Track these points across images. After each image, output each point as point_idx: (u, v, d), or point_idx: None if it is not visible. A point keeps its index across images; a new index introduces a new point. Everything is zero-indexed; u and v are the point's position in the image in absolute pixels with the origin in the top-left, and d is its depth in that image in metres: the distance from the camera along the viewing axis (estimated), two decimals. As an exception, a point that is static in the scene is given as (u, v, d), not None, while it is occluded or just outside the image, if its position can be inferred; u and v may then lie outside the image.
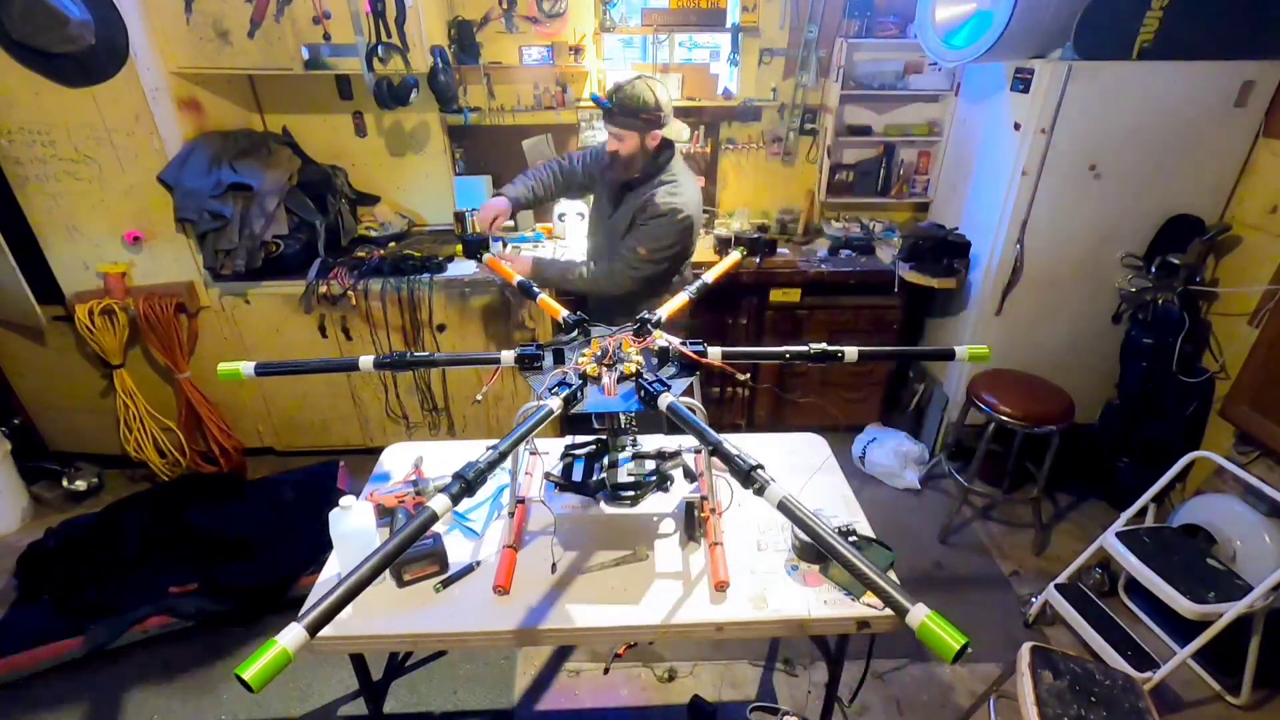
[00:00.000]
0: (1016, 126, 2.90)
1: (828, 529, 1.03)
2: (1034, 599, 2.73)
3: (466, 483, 1.09)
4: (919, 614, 0.92)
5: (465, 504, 1.87)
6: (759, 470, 1.12)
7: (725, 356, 1.52)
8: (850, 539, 1.70)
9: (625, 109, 2.29)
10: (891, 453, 3.49)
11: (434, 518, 1.04)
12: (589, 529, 1.72)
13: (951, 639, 0.89)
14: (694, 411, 1.43)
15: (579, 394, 1.40)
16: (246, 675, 0.84)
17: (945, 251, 3.24)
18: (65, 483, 3.37)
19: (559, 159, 2.81)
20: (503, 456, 1.16)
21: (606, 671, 2.50)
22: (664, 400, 1.33)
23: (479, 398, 1.67)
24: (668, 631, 1.54)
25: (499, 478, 1.87)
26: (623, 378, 1.46)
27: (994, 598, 2.86)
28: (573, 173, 2.76)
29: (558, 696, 2.43)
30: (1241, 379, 2.84)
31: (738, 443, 2.10)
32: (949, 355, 1.65)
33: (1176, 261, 2.86)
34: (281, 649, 0.87)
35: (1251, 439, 2.79)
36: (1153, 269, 2.94)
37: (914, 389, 3.86)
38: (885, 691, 2.45)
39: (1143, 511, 2.66)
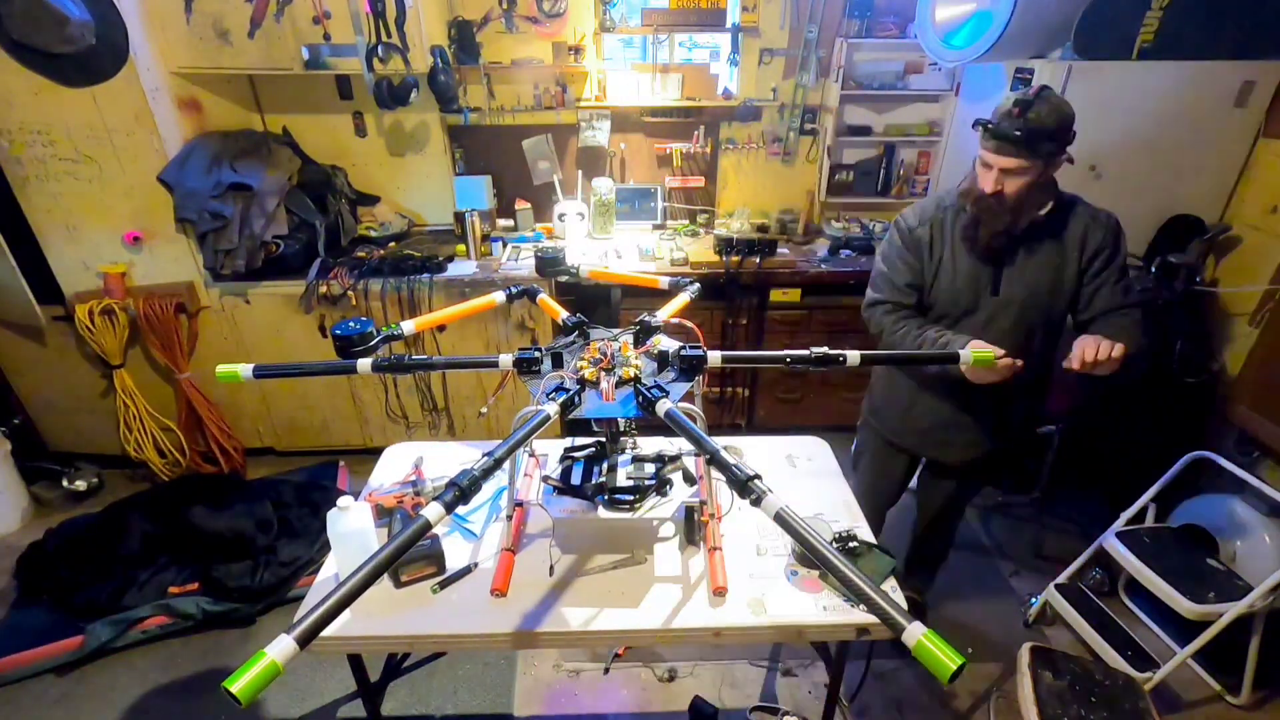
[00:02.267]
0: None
1: (825, 543, 1.02)
2: (1034, 599, 2.73)
3: (461, 490, 1.09)
4: (915, 632, 0.90)
5: (464, 505, 1.87)
6: (756, 480, 1.12)
7: (725, 360, 1.52)
8: (851, 544, 1.69)
9: (1040, 133, 1.67)
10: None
11: (427, 526, 1.04)
12: (587, 533, 1.72)
13: (948, 659, 0.87)
14: (693, 418, 1.43)
15: (576, 399, 1.40)
16: (235, 689, 0.81)
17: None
18: (65, 483, 3.37)
19: (891, 303, 2.03)
20: (498, 464, 1.16)
21: (607, 672, 2.51)
22: (662, 406, 1.32)
23: (483, 411, 1.66)
24: (665, 636, 1.54)
25: (498, 479, 1.86)
26: (621, 382, 1.45)
27: (994, 598, 2.86)
28: (912, 289, 2.02)
29: (558, 697, 2.43)
30: (1241, 379, 2.84)
31: (738, 444, 2.12)
32: (954, 359, 1.64)
33: (1176, 261, 2.86)
34: (271, 661, 0.85)
35: (1251, 439, 2.79)
36: (1153, 269, 2.94)
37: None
38: (885, 692, 2.46)
39: (1143, 511, 2.65)
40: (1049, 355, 2.01)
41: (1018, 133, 1.66)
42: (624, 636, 1.57)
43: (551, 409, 1.32)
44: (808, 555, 1.65)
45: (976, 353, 1.57)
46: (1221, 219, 2.98)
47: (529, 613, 1.55)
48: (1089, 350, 1.68)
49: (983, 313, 1.93)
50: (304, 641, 0.88)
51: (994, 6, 2.71)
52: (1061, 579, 2.70)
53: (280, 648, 0.86)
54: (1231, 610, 2.15)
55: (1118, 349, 1.67)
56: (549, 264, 2.05)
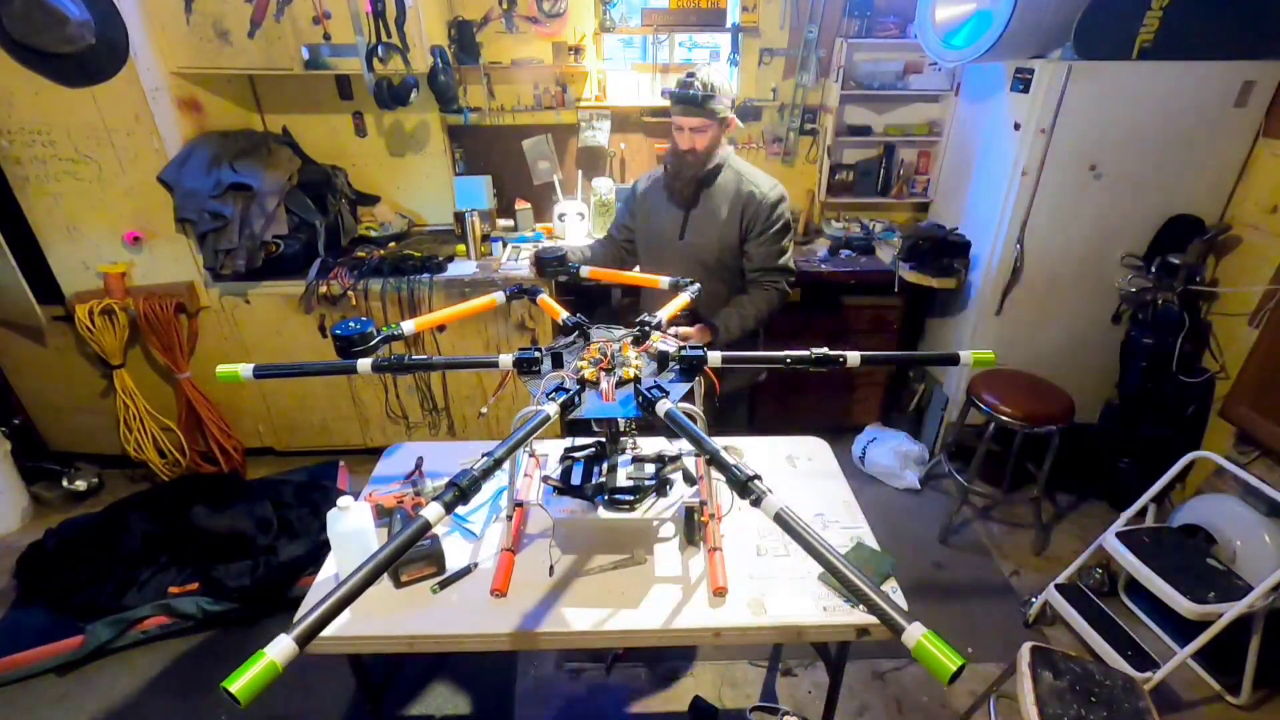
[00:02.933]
0: (1016, 126, 2.89)
1: (825, 544, 1.02)
2: (1034, 599, 2.73)
3: (460, 490, 1.09)
4: (915, 633, 0.90)
5: (464, 506, 1.87)
6: (756, 481, 1.11)
7: (725, 361, 1.52)
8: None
9: (708, 96, 2.09)
10: (891, 453, 3.49)
11: (427, 526, 1.04)
12: (587, 533, 1.72)
13: (948, 660, 0.87)
14: (693, 418, 1.43)
15: (576, 399, 1.40)
16: (234, 689, 0.82)
17: (945, 251, 3.24)
18: (65, 483, 3.37)
19: (608, 235, 2.61)
20: (498, 464, 1.15)
21: (607, 672, 2.51)
22: (662, 406, 1.32)
23: (484, 411, 1.67)
24: (665, 637, 1.54)
25: (499, 479, 1.86)
26: (621, 382, 1.45)
27: (994, 598, 2.86)
28: (622, 238, 2.56)
29: (558, 697, 2.43)
30: (1241, 379, 2.84)
31: (738, 444, 2.12)
32: (953, 360, 1.63)
33: (1176, 261, 2.86)
34: (270, 662, 0.85)
35: (1251, 439, 2.79)
36: (1153, 269, 2.94)
37: (914, 389, 3.86)
38: (885, 691, 2.46)
39: (1143, 511, 2.66)
40: (731, 295, 2.36)
41: (693, 94, 2.07)
42: (624, 637, 1.57)
43: (551, 409, 1.32)
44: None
45: (976, 354, 1.58)
46: (1221, 219, 2.99)
47: (529, 613, 1.55)
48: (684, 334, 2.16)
49: (670, 250, 2.35)
50: (303, 641, 0.88)
51: (994, 6, 2.71)
52: (1061, 579, 2.70)
53: (279, 648, 0.86)
54: (1231, 610, 2.15)
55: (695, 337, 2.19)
56: (549, 263, 2.04)
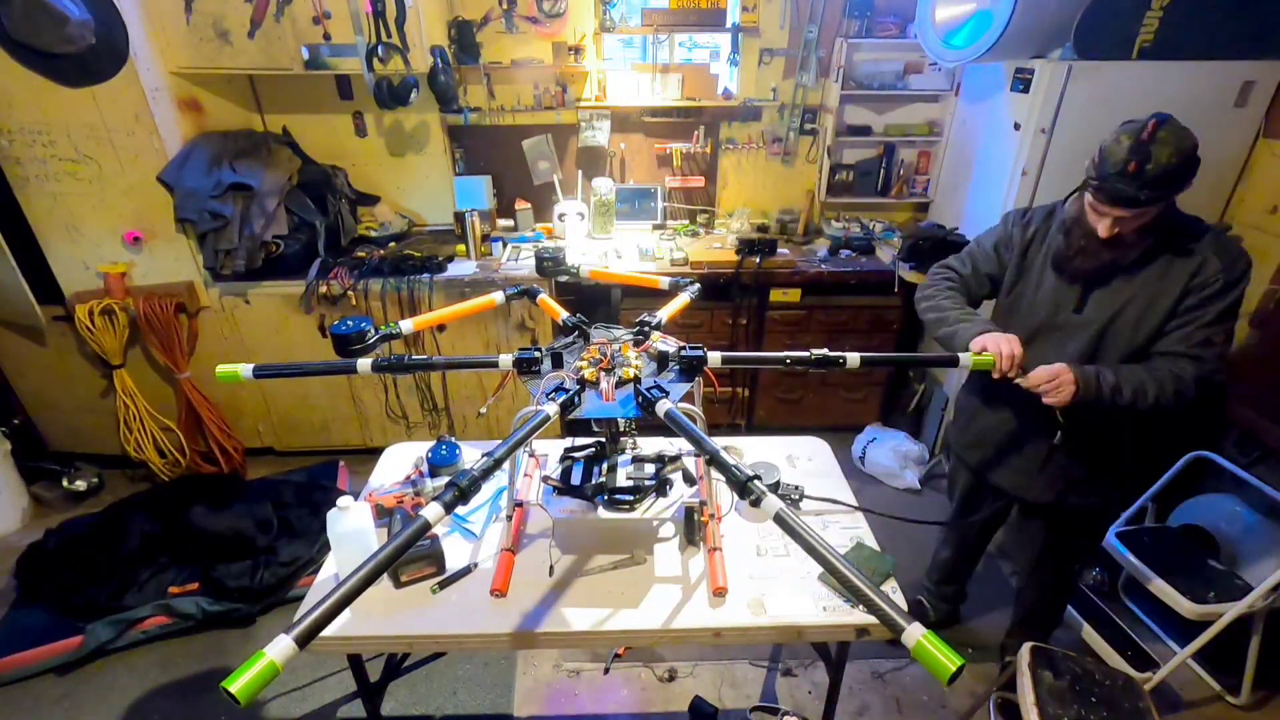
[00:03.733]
0: (1016, 126, 2.89)
1: (825, 544, 1.02)
2: (1033, 599, 2.73)
3: (460, 490, 1.09)
4: (915, 633, 0.90)
5: (463, 506, 1.87)
6: (755, 481, 1.12)
7: (725, 361, 1.52)
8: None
9: (1162, 182, 1.54)
10: (891, 453, 3.49)
11: (427, 526, 1.04)
12: (586, 533, 1.72)
13: (948, 660, 0.87)
14: (693, 418, 1.43)
15: (576, 399, 1.40)
16: (234, 688, 0.82)
17: (945, 251, 3.20)
18: (65, 483, 3.37)
19: (954, 276, 2.04)
20: (497, 464, 1.16)
21: (607, 671, 2.51)
22: (661, 407, 1.32)
23: (483, 411, 1.67)
24: (665, 637, 1.54)
25: (498, 479, 1.86)
26: (621, 383, 1.45)
27: (994, 598, 2.86)
28: (979, 273, 2.02)
29: (558, 697, 2.43)
30: (1241, 379, 2.84)
31: (738, 444, 2.12)
32: (953, 362, 1.65)
33: (1177, 262, 2.85)
34: (269, 661, 0.85)
35: (1251, 439, 2.79)
36: (1153, 269, 2.93)
37: (914, 389, 3.86)
38: (885, 691, 2.45)
39: (1143, 511, 2.66)
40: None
41: (1141, 194, 1.52)
42: (624, 637, 1.57)
43: (551, 409, 1.32)
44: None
45: (975, 357, 1.57)
46: (1221, 219, 2.98)
47: (529, 613, 1.55)
48: (1041, 376, 1.68)
49: (1059, 331, 1.83)
50: (303, 641, 0.88)
51: (994, 6, 2.71)
52: (1061, 579, 2.70)
53: (279, 648, 0.86)
54: (1231, 610, 2.15)
55: (1061, 392, 1.66)
56: (549, 263, 2.04)
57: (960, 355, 1.60)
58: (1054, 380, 1.66)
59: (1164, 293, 1.69)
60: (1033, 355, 1.74)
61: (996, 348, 1.68)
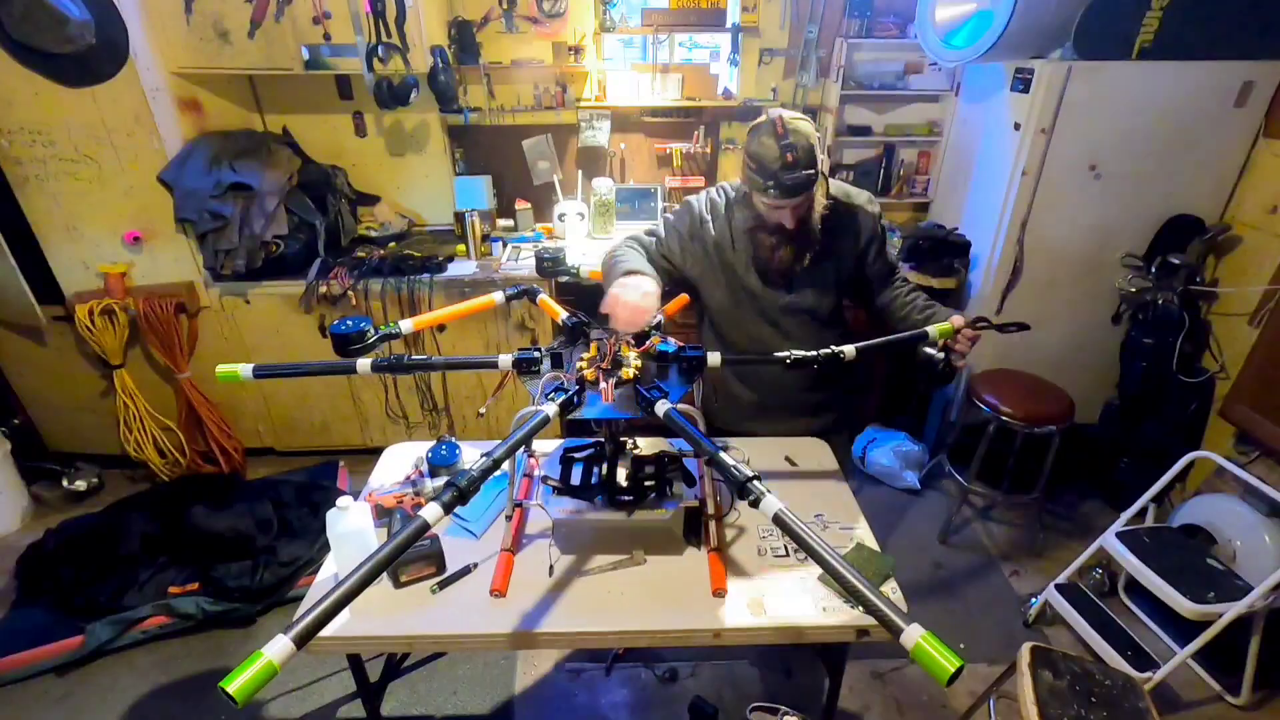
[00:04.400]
0: (1016, 126, 2.89)
1: (824, 545, 1.02)
2: (1034, 599, 2.73)
3: (459, 491, 1.09)
4: (914, 634, 0.91)
5: (462, 506, 1.86)
6: (755, 481, 1.12)
7: (725, 361, 1.52)
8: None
9: (809, 166, 1.64)
10: (891, 453, 3.49)
11: (425, 526, 1.04)
12: (586, 534, 1.71)
13: (946, 661, 0.87)
14: (693, 417, 1.43)
15: (576, 400, 1.40)
16: (231, 689, 0.82)
17: (945, 251, 3.24)
18: (65, 483, 3.37)
19: (641, 238, 2.01)
20: (496, 464, 1.15)
21: (607, 672, 2.51)
22: (661, 407, 1.32)
23: (482, 411, 1.67)
24: (665, 637, 1.54)
25: (499, 479, 1.86)
26: (621, 383, 1.45)
27: (994, 598, 2.86)
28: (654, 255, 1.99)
29: (558, 697, 2.43)
30: (1241, 379, 2.84)
31: (738, 444, 2.12)
32: (923, 336, 1.72)
33: (1176, 261, 2.86)
34: (267, 661, 0.85)
35: (1251, 439, 2.79)
36: (1153, 269, 2.94)
37: (914, 389, 3.86)
38: (885, 691, 2.46)
39: (1143, 511, 2.66)
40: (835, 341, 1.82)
41: (804, 179, 1.64)
42: (623, 637, 1.57)
43: (550, 410, 1.32)
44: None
45: (939, 326, 1.67)
46: (1221, 219, 2.98)
47: (529, 613, 1.55)
48: (964, 343, 1.73)
49: (766, 321, 1.95)
50: (301, 641, 0.88)
51: (994, 6, 2.71)
52: (1061, 579, 2.70)
53: (277, 648, 0.86)
54: (1231, 610, 2.15)
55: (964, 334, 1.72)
56: (549, 264, 2.04)
57: (927, 329, 1.68)
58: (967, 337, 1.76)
59: (843, 256, 1.94)
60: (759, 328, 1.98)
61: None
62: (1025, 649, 1.93)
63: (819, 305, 1.95)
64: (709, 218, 1.93)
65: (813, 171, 1.64)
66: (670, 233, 1.97)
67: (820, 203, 1.79)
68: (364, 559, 0.97)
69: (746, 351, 1.97)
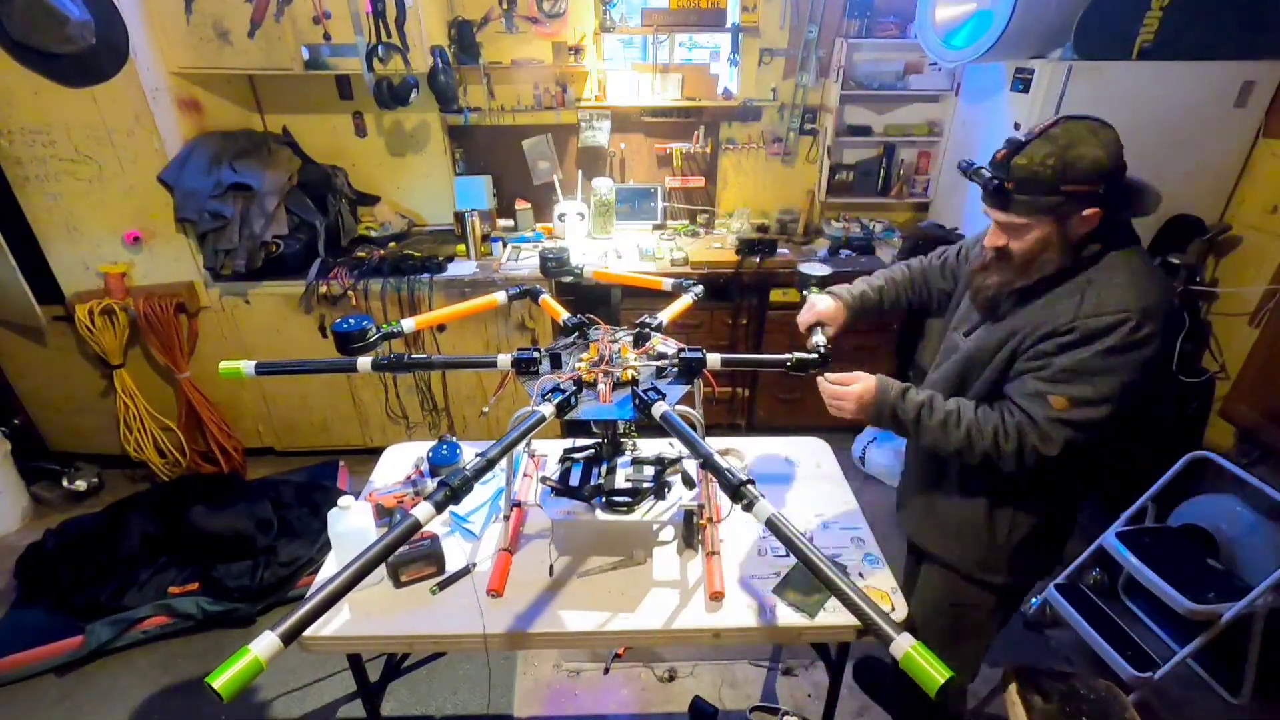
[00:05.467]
0: (1016, 126, 2.89)
1: (816, 552, 1.03)
2: (1034, 600, 2.72)
3: (452, 490, 1.09)
4: (904, 643, 0.90)
5: (466, 505, 1.87)
6: (748, 486, 1.11)
7: (725, 363, 1.52)
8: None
9: (1032, 183, 1.30)
10: (891, 453, 3.49)
11: (417, 525, 1.05)
12: (584, 535, 1.72)
13: (936, 672, 0.86)
14: (691, 420, 1.43)
15: (573, 400, 1.40)
16: (217, 684, 0.82)
17: (945, 252, 3.23)
18: (65, 483, 3.37)
19: (913, 263, 1.86)
20: (491, 464, 1.15)
21: (607, 671, 2.51)
22: (658, 409, 1.32)
23: (485, 410, 1.67)
24: (664, 637, 1.54)
25: (500, 479, 1.86)
26: (619, 384, 1.45)
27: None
28: (932, 273, 1.82)
29: (558, 697, 2.43)
30: (1241, 379, 2.84)
31: (738, 444, 2.12)
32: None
33: (1176, 261, 2.86)
34: (254, 658, 0.85)
35: (1251, 439, 2.79)
36: (1153, 269, 2.93)
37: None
38: (884, 692, 2.45)
39: (1143, 511, 2.65)
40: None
41: (997, 187, 1.34)
42: (623, 637, 1.58)
43: (547, 410, 1.32)
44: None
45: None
46: (1221, 219, 2.98)
47: (527, 613, 1.55)
48: (829, 385, 1.54)
49: (947, 352, 1.65)
50: (288, 639, 0.89)
51: (994, 6, 2.71)
52: (1061, 579, 2.69)
53: (264, 644, 0.87)
54: (1231, 610, 2.15)
55: (840, 410, 1.52)
56: (553, 264, 2.04)
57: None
58: (837, 396, 1.52)
59: (1008, 335, 1.44)
60: (937, 372, 1.63)
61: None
62: (1009, 674, 1.91)
63: (969, 366, 1.54)
64: (972, 243, 1.75)
65: (1025, 197, 1.31)
66: (959, 254, 1.77)
67: (1048, 254, 1.36)
68: (354, 557, 0.98)
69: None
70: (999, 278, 1.45)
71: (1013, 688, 1.87)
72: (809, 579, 1.61)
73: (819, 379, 1.56)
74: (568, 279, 2.07)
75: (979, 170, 1.39)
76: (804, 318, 1.78)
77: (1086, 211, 1.30)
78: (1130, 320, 1.27)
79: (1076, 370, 1.32)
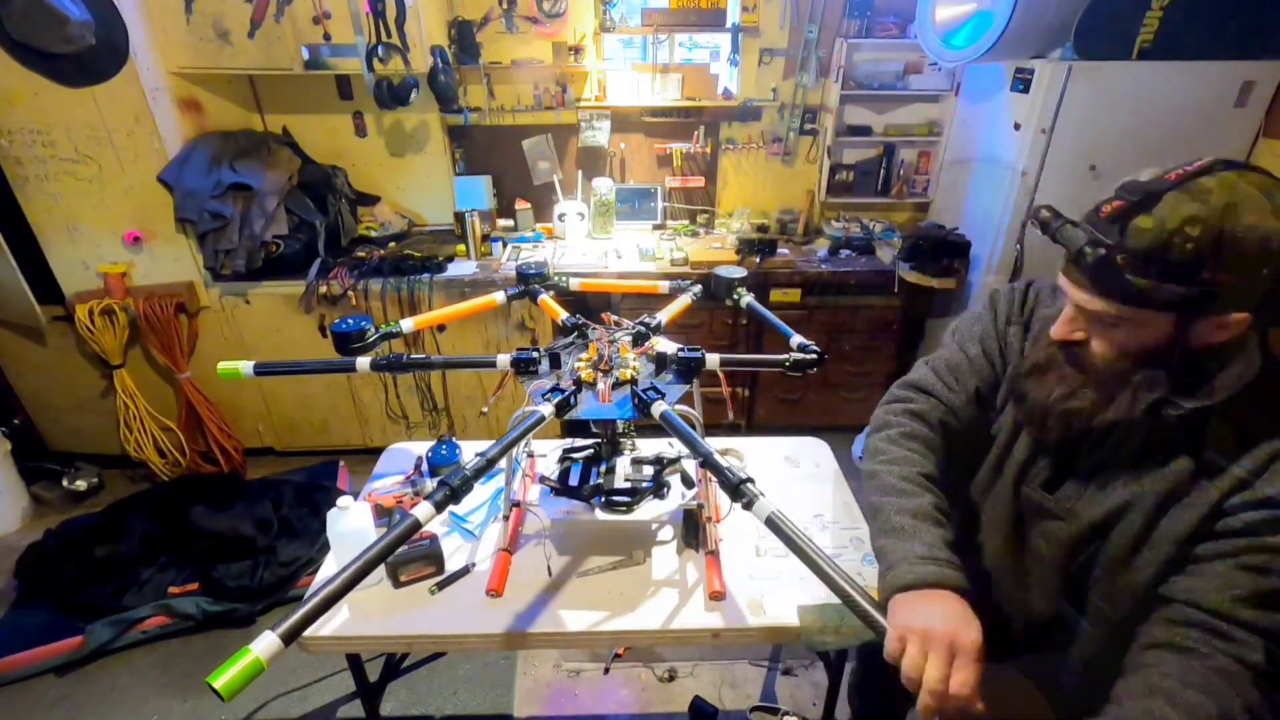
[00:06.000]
0: (1016, 126, 2.89)
1: (817, 549, 1.02)
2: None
3: (452, 490, 1.09)
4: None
5: (465, 505, 1.87)
6: (748, 484, 1.11)
7: (724, 363, 1.52)
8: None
9: (1161, 261, 0.86)
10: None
11: (417, 525, 1.05)
12: (583, 535, 1.72)
13: None
14: (690, 419, 1.43)
15: (572, 400, 1.40)
16: (217, 684, 0.82)
17: (945, 251, 3.23)
18: (65, 482, 3.37)
19: (923, 401, 1.29)
20: (490, 464, 1.15)
21: (607, 671, 2.51)
22: (657, 408, 1.32)
23: (484, 410, 1.66)
24: (663, 637, 1.54)
25: (500, 479, 1.86)
26: (618, 384, 1.45)
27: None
28: (961, 412, 1.24)
29: (558, 697, 2.43)
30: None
31: (738, 444, 2.12)
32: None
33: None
34: (255, 658, 0.85)
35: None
36: (1153, 269, 2.93)
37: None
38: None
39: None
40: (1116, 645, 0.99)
41: (1094, 256, 0.90)
42: (622, 637, 1.57)
43: (546, 410, 1.32)
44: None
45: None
46: (1222, 219, 2.98)
47: (526, 613, 1.55)
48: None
49: (1005, 523, 1.16)
50: (289, 638, 0.89)
51: (994, 6, 2.71)
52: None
53: (264, 644, 0.87)
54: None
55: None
56: (531, 279, 1.99)
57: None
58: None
59: (1196, 497, 0.93)
60: (971, 558, 1.15)
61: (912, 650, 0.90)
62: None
63: (1092, 545, 1.04)
64: (1017, 313, 1.20)
65: (1146, 282, 0.86)
66: (967, 350, 1.25)
67: (1147, 372, 0.93)
68: (354, 557, 0.98)
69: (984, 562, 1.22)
70: (1084, 400, 0.97)
71: None
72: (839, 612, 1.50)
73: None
74: (550, 293, 1.98)
75: (1069, 227, 0.95)
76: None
77: (1235, 316, 0.86)
78: None
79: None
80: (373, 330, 1.59)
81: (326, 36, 2.93)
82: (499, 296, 1.91)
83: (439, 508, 1.07)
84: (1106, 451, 1.01)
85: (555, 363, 1.56)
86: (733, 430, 3.80)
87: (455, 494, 1.10)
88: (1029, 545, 1.14)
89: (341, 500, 1.56)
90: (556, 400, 1.36)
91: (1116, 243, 0.87)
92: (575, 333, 1.67)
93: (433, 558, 1.64)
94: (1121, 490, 0.99)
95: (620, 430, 1.72)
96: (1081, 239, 0.91)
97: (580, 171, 3.75)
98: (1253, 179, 0.86)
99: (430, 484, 1.91)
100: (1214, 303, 0.85)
